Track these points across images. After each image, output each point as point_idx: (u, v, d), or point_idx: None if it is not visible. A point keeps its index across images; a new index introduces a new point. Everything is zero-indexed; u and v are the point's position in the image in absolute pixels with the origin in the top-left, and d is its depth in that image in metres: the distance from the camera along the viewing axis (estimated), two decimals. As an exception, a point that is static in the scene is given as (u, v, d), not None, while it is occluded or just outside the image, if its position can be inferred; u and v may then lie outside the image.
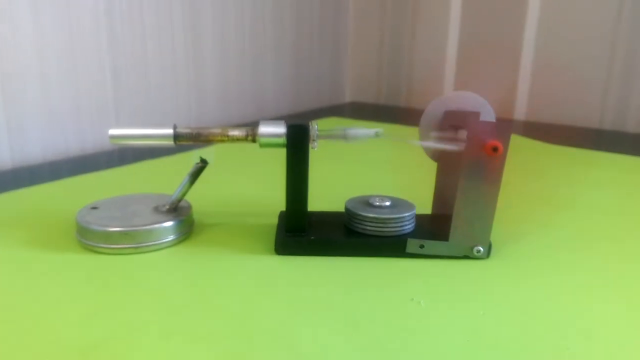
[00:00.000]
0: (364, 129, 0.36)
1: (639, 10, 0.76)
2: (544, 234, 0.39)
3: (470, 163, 0.33)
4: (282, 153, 0.35)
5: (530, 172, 0.56)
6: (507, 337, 0.26)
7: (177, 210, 0.38)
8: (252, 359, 0.24)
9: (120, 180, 0.52)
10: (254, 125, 0.36)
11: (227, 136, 0.36)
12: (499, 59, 0.89)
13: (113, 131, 0.35)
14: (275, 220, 0.39)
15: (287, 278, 0.32)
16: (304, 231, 0.35)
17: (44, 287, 0.31)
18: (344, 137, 0.36)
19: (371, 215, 0.35)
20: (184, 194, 0.38)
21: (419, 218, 0.37)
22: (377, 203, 0.36)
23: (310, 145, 0.35)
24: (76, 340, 0.25)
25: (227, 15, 0.80)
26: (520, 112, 0.89)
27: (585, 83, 0.82)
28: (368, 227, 0.35)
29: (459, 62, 0.94)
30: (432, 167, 0.39)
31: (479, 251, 0.34)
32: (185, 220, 0.37)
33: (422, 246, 0.35)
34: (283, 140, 0.35)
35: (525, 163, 0.59)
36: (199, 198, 0.41)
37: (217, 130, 0.36)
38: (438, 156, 0.38)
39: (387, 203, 0.36)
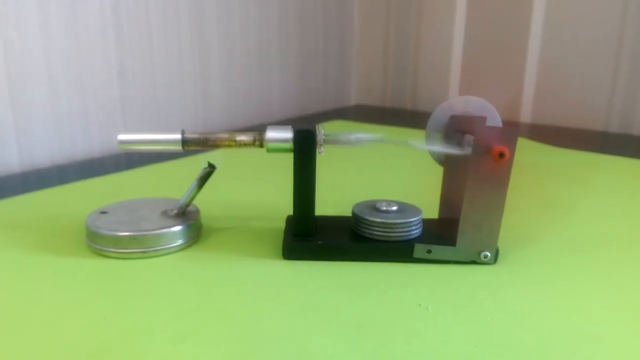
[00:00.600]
0: (371, 134, 0.36)
1: (645, 13, 0.76)
2: (550, 239, 0.39)
3: (477, 168, 0.33)
4: (289, 157, 0.35)
5: (536, 175, 0.56)
6: (514, 343, 0.26)
7: (185, 214, 0.38)
8: (261, 364, 0.24)
9: (127, 184, 0.52)
10: (259, 128, 0.36)
11: (235, 141, 0.36)
12: (504, 61, 0.89)
13: (122, 136, 0.36)
14: (282, 225, 0.39)
15: (295, 282, 0.32)
16: (311, 236, 0.35)
17: (53, 291, 0.31)
18: (350, 141, 0.36)
19: (378, 220, 0.35)
20: (192, 199, 0.38)
21: (426, 222, 0.37)
22: (384, 208, 0.36)
23: (317, 150, 0.35)
24: (86, 344, 0.26)
25: (233, 18, 0.80)
26: (525, 115, 0.89)
27: (591, 86, 0.82)
28: (375, 232, 0.35)
29: (464, 65, 0.94)
30: (438, 171, 0.39)
31: (486, 256, 0.34)
32: (193, 225, 0.38)
33: (429, 251, 0.35)
34: (290, 145, 0.35)
35: (531, 166, 0.59)
36: (207, 202, 0.42)
37: (224, 136, 0.36)
38: (444, 161, 0.38)
39: (394, 208, 0.36)
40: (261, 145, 0.36)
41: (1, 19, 0.56)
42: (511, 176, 0.33)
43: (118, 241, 0.35)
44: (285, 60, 0.90)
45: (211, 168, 0.38)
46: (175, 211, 0.38)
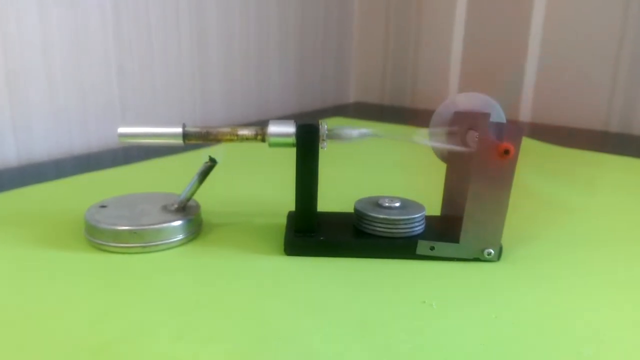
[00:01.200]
0: (374, 129, 0.36)
1: (646, 13, 0.76)
2: (552, 237, 0.39)
3: (481, 165, 0.33)
4: (291, 152, 0.35)
5: (536, 173, 0.56)
6: (521, 341, 0.26)
7: (186, 209, 0.38)
8: (264, 361, 0.24)
9: (126, 178, 0.52)
10: (258, 124, 0.36)
11: (237, 135, 0.36)
12: (504, 59, 0.89)
13: (122, 129, 0.35)
14: (283, 220, 0.39)
15: (297, 279, 0.32)
16: (313, 232, 0.35)
17: (52, 286, 0.30)
18: (353, 136, 0.35)
19: (381, 216, 0.35)
20: (193, 193, 0.38)
21: (429, 219, 0.37)
22: (387, 204, 0.36)
23: (320, 145, 0.34)
24: (86, 340, 0.25)
25: (232, 15, 0.80)
26: (525, 114, 0.89)
27: (591, 85, 0.82)
28: (378, 228, 0.35)
29: (464, 63, 0.94)
30: (440, 167, 0.39)
31: (489, 254, 0.34)
32: (193, 220, 0.37)
33: (432, 248, 0.34)
34: (293, 140, 0.35)
35: (531, 164, 0.59)
36: (208, 197, 0.41)
37: (226, 130, 0.36)
38: (447, 157, 0.38)
39: (397, 204, 0.36)
40: (263, 140, 0.36)
41: (0, 14, 0.55)
42: (512, 174, 0.33)
43: (118, 235, 0.35)
44: (285, 58, 0.90)
45: (212, 162, 0.37)
46: (176, 206, 0.38)
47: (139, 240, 0.35)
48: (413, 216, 0.35)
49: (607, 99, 0.81)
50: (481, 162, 0.33)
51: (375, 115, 0.92)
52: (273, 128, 0.35)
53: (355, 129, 0.36)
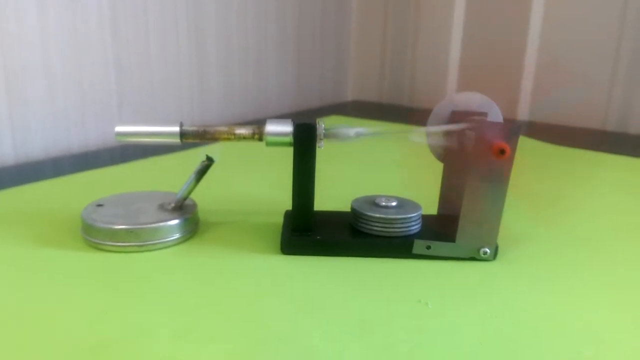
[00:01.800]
0: (371, 128, 0.36)
1: (644, 12, 0.76)
2: (548, 236, 0.39)
3: (478, 164, 0.33)
4: (288, 151, 0.35)
5: (533, 172, 0.56)
6: (518, 340, 0.26)
7: (183, 208, 0.38)
8: (260, 360, 0.24)
9: (123, 177, 0.52)
10: (256, 123, 0.36)
11: (234, 134, 0.36)
12: (502, 58, 0.89)
13: (119, 128, 0.35)
14: (280, 219, 0.39)
15: (294, 278, 0.32)
16: (310, 231, 0.35)
17: (48, 285, 0.30)
18: (350, 135, 0.36)
19: (378, 215, 0.35)
20: (190, 192, 0.38)
21: (425, 218, 0.37)
22: (384, 203, 0.36)
23: (317, 145, 0.34)
24: (84, 340, 0.25)
25: (231, 13, 0.79)
26: (523, 112, 0.89)
27: (589, 84, 0.82)
28: (374, 228, 0.35)
29: (462, 61, 0.94)
30: (437, 166, 0.39)
31: (485, 253, 0.34)
32: (190, 219, 0.37)
33: (428, 247, 0.34)
34: (290, 139, 0.35)
35: (528, 163, 0.59)
36: (205, 196, 0.41)
37: (223, 129, 0.36)
38: (444, 156, 0.38)
39: (394, 203, 0.36)
40: (260, 139, 0.36)
41: (-4, 9, 0.55)
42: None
43: (114, 234, 0.35)
44: (283, 56, 0.90)
45: (209, 161, 0.37)
46: (173, 205, 0.38)
47: (135, 239, 0.35)
48: (409, 215, 0.35)
49: (605, 98, 0.81)
50: (477, 161, 0.33)
51: (373, 113, 0.92)
52: (270, 127, 0.35)
53: (352, 128, 0.36)
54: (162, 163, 0.57)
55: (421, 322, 0.28)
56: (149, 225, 0.35)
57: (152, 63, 0.70)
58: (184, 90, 0.76)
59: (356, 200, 0.37)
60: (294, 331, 0.26)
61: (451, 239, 0.34)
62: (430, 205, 0.39)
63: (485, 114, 0.36)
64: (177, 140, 0.35)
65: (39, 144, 0.61)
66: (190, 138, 0.36)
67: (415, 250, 0.35)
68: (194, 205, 0.39)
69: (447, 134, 0.36)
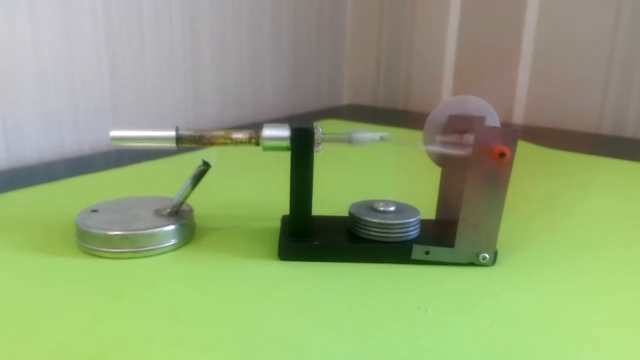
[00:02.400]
0: (369, 133, 0.35)
1: (637, 15, 0.76)
2: (547, 240, 0.39)
3: (477, 169, 0.33)
4: (285, 155, 0.34)
5: (528, 176, 0.56)
6: (517, 347, 0.26)
7: (179, 213, 0.37)
8: (259, 368, 0.24)
9: (118, 182, 0.51)
10: (252, 126, 0.36)
11: (230, 139, 0.36)
12: (497, 62, 0.89)
13: (114, 133, 0.35)
14: (278, 224, 0.39)
15: (291, 284, 0.32)
16: (308, 236, 0.35)
17: (42, 292, 0.30)
18: (349, 140, 0.35)
19: (376, 220, 0.35)
20: (186, 198, 0.38)
21: (423, 223, 0.36)
22: (382, 208, 0.36)
23: (315, 149, 0.34)
24: (79, 347, 0.25)
25: (225, 16, 0.79)
26: (518, 116, 0.89)
27: (583, 87, 0.82)
28: (372, 233, 0.35)
29: (457, 65, 0.94)
30: (435, 171, 0.38)
31: (484, 258, 0.34)
32: (186, 224, 0.37)
33: (427, 252, 0.34)
34: (287, 143, 0.34)
35: (523, 167, 0.59)
36: (201, 200, 0.41)
37: (220, 133, 0.36)
38: (442, 161, 0.38)
39: (392, 208, 0.36)
40: (257, 144, 0.35)
41: (-11, 11, 0.54)
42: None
43: (109, 240, 0.34)
44: (278, 60, 0.90)
45: (205, 166, 0.37)
46: (168, 210, 0.37)
47: (130, 245, 0.34)
48: (408, 220, 0.35)
49: (599, 101, 0.81)
50: (477, 165, 0.33)
51: (368, 117, 0.91)
52: (267, 132, 0.35)
53: (351, 132, 0.35)
54: (158, 167, 0.56)
55: (420, 328, 0.27)
56: (145, 231, 0.35)
57: (146, 66, 0.70)
58: (179, 93, 0.75)
59: (354, 205, 0.37)
60: (291, 338, 0.26)
61: (450, 244, 0.34)
62: (428, 209, 0.38)
63: (483, 118, 0.36)
64: (173, 145, 0.35)
65: (32, 147, 0.60)
66: (187, 143, 0.35)
67: (414, 256, 0.34)
68: (190, 210, 0.39)
69: (445, 139, 0.36)
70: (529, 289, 0.32)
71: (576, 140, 0.76)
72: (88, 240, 0.35)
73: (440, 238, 0.35)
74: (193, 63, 0.76)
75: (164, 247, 0.35)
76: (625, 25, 0.77)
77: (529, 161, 0.62)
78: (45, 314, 0.28)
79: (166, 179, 0.52)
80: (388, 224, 0.34)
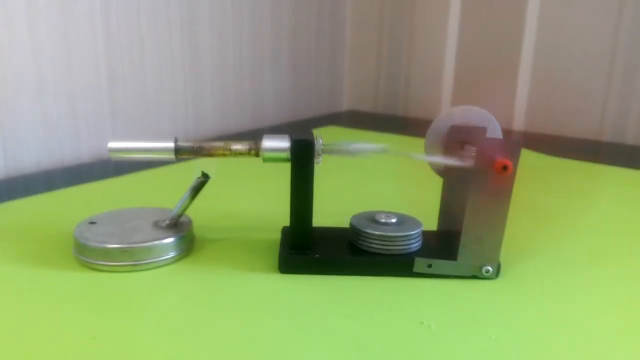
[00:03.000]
0: (370, 144, 0.35)
1: (638, 22, 0.76)
2: (550, 252, 0.39)
3: (479, 181, 0.32)
4: (285, 166, 0.34)
5: (529, 184, 0.55)
6: (521, 363, 0.26)
7: (178, 225, 0.37)
8: (259, 388, 0.23)
9: (117, 191, 0.51)
10: (251, 133, 0.35)
11: (230, 150, 0.35)
12: (497, 68, 0.89)
13: (112, 144, 0.35)
14: (278, 236, 0.38)
15: (291, 298, 0.31)
16: (308, 249, 0.34)
17: (38, 306, 0.29)
18: (349, 152, 0.35)
19: (377, 232, 0.34)
20: (185, 209, 0.37)
21: (425, 235, 0.36)
22: (383, 220, 0.35)
23: (315, 161, 0.34)
24: (75, 366, 0.24)
25: (225, 23, 0.79)
26: (518, 123, 0.88)
27: (584, 95, 0.82)
28: (374, 245, 0.34)
29: (457, 72, 0.94)
30: (436, 182, 0.38)
31: (487, 271, 0.34)
32: (185, 236, 0.36)
33: (430, 265, 0.34)
34: (287, 155, 0.34)
35: (525, 176, 0.58)
36: (200, 212, 0.40)
37: (219, 144, 0.35)
38: (444, 172, 0.37)
39: (393, 220, 0.36)
40: (257, 155, 0.35)
41: (-13, 20, 0.54)
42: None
43: (107, 254, 0.34)
44: (278, 66, 0.89)
45: (205, 178, 0.37)
46: (167, 222, 0.37)
47: (129, 259, 0.34)
48: (410, 233, 0.34)
49: (600, 108, 0.81)
50: (479, 177, 0.32)
51: (368, 123, 0.91)
52: (267, 143, 0.34)
53: (352, 143, 0.35)
54: (158, 176, 0.56)
55: (424, 346, 0.27)
56: (143, 244, 0.34)
57: (146, 73, 0.70)
58: (179, 101, 0.75)
59: (355, 217, 0.36)
60: (291, 354, 0.26)
61: (453, 256, 0.34)
62: (430, 220, 0.38)
63: (485, 129, 0.35)
64: (171, 156, 0.35)
65: (31, 155, 0.60)
66: (185, 154, 0.35)
67: (416, 269, 0.34)
68: (189, 222, 0.38)
69: (447, 150, 0.36)
70: (533, 302, 0.31)
71: (576, 147, 0.76)
72: (86, 254, 0.34)
73: (443, 251, 0.35)
74: (193, 70, 0.76)
75: (163, 260, 0.35)
76: (626, 33, 0.77)
77: (529, 168, 0.62)
78: (42, 329, 0.27)
79: (166, 187, 0.51)
80: (390, 237, 0.34)
